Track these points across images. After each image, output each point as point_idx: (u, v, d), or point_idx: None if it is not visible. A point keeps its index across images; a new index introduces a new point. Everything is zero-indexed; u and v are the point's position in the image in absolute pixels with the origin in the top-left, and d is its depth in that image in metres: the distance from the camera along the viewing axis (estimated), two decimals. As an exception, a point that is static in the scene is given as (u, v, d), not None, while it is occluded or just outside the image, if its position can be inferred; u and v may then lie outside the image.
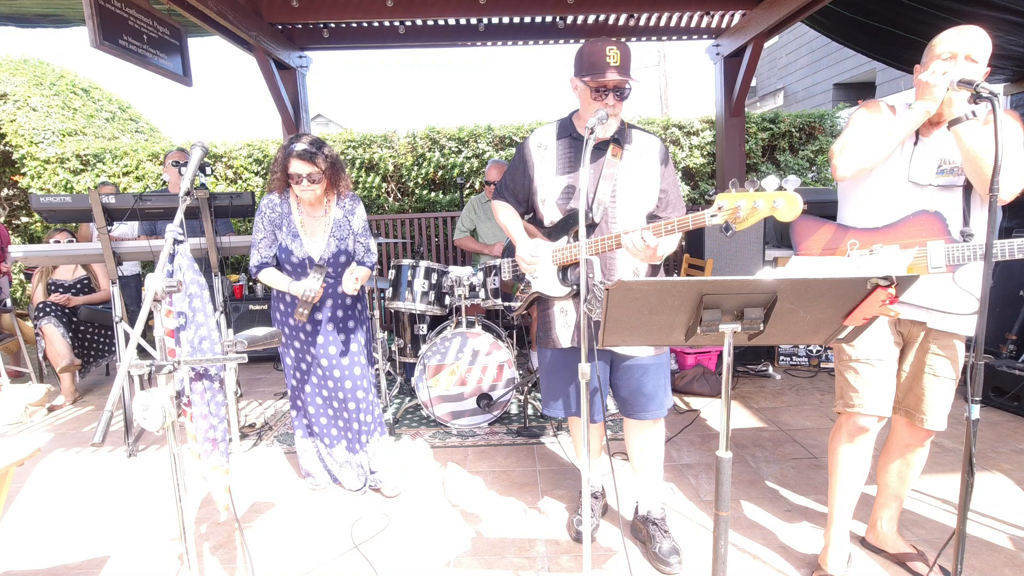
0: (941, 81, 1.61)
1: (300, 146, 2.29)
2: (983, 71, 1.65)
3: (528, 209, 2.16)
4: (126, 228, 4.16)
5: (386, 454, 2.68)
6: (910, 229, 1.72)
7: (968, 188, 1.71)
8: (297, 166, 2.30)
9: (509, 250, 2.31)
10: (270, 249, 2.47)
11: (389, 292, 3.58)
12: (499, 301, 3.21)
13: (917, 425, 1.86)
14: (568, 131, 2.02)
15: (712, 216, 1.56)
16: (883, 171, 1.78)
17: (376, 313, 4.02)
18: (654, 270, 2.05)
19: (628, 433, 2.18)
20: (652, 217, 2.01)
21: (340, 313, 2.55)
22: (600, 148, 1.96)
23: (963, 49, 1.64)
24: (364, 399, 2.58)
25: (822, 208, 3.91)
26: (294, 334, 2.54)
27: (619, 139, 1.96)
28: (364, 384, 2.59)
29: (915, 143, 1.76)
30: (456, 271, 3.38)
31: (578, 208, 1.87)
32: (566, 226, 1.99)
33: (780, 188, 1.45)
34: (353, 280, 2.43)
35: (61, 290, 4.30)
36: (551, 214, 2.03)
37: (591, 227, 1.95)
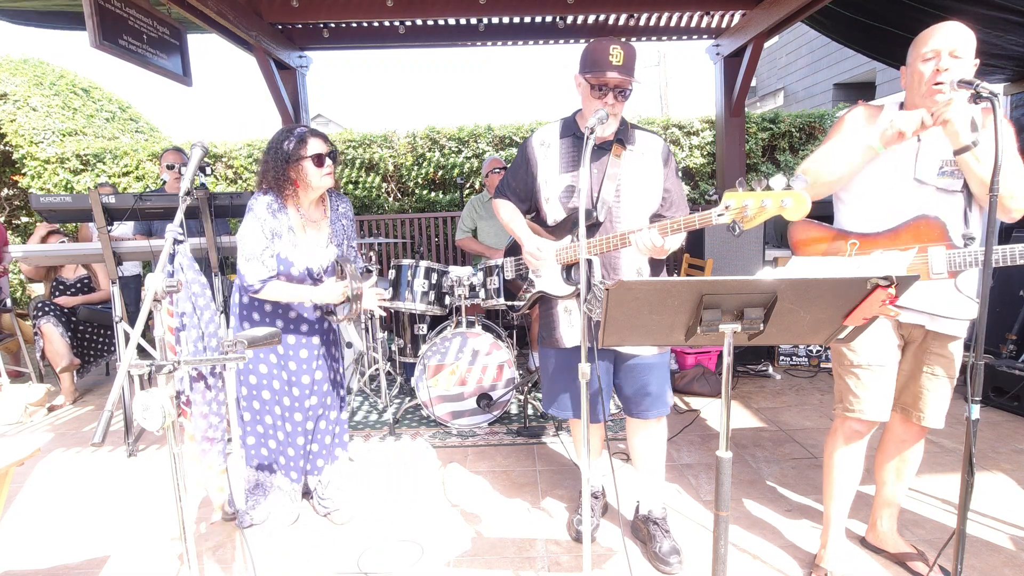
0: (908, 127, 1.60)
1: (308, 127, 2.14)
2: (970, 64, 1.62)
3: (531, 208, 2.15)
4: (124, 228, 4.16)
5: (341, 482, 2.55)
6: (911, 234, 1.70)
7: (969, 189, 1.70)
8: (318, 145, 2.10)
9: (511, 249, 2.30)
10: (273, 259, 2.13)
11: (389, 292, 3.58)
12: (499, 301, 3.21)
13: (913, 422, 1.86)
14: (571, 130, 2.02)
15: (719, 215, 1.54)
16: (886, 168, 1.74)
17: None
18: (657, 267, 2.05)
19: (631, 432, 2.18)
20: (656, 216, 2.00)
21: (325, 325, 2.38)
22: (603, 148, 1.96)
23: (947, 46, 1.61)
24: (337, 419, 2.48)
25: (822, 208, 3.89)
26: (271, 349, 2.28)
27: (622, 139, 1.97)
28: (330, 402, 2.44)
29: (919, 139, 1.71)
30: (456, 271, 3.38)
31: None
32: (569, 225, 1.99)
33: (788, 187, 1.44)
34: (375, 296, 2.25)
35: (61, 288, 4.30)
36: (554, 213, 2.03)
37: (596, 226, 1.94)
